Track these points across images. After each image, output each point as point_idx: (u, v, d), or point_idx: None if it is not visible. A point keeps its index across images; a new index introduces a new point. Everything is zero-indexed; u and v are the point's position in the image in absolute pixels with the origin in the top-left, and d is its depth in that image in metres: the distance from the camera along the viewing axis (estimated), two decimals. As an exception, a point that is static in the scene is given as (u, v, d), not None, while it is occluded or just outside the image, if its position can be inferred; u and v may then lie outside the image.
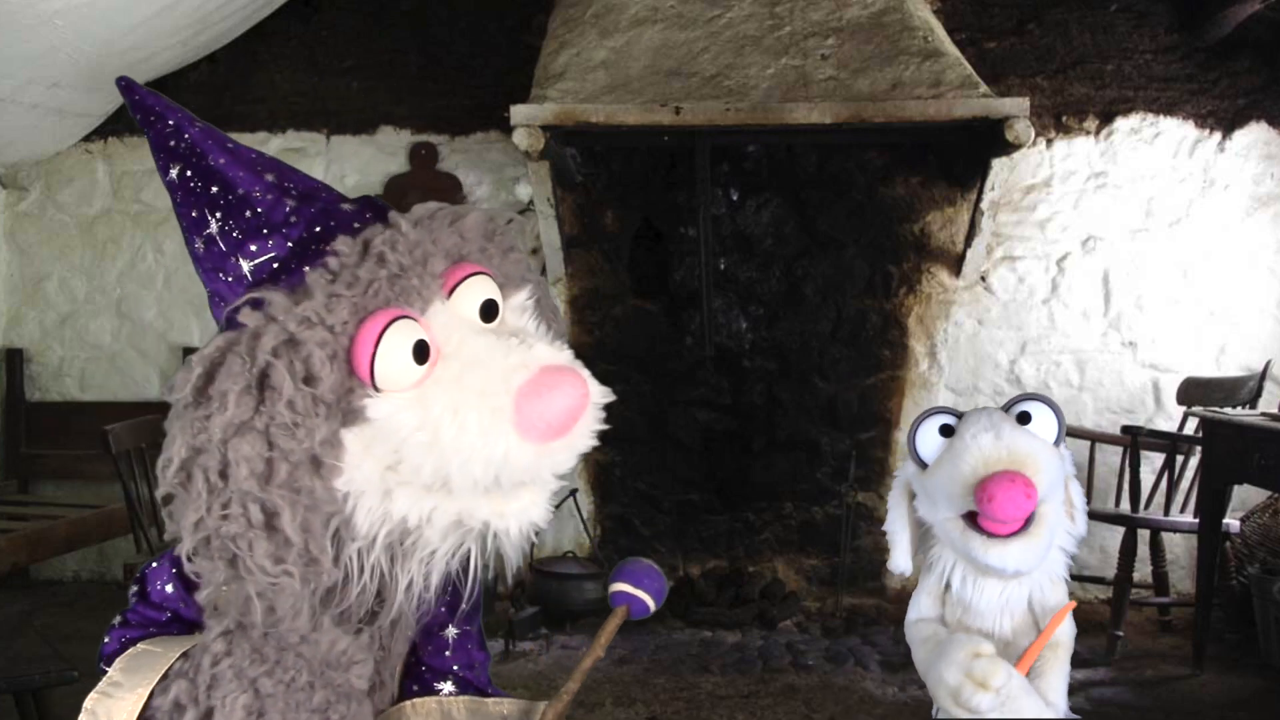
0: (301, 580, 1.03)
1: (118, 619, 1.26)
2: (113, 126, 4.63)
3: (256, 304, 1.04)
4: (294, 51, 4.63)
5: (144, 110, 1.22)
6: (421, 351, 1.05)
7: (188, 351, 4.63)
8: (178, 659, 1.15)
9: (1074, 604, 1.66)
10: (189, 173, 1.16)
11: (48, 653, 2.47)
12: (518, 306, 1.19)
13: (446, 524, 1.08)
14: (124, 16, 3.63)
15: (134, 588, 1.27)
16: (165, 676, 1.14)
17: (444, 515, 1.07)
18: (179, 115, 1.20)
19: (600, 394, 1.10)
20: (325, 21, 4.63)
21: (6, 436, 4.63)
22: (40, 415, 4.64)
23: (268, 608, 1.04)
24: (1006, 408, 1.64)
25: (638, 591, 1.31)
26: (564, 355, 1.10)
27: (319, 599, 1.10)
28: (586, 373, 1.09)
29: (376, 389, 1.05)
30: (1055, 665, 1.62)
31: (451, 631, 1.33)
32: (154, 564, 1.26)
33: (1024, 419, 1.61)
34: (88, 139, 4.66)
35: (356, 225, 1.11)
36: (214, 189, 1.15)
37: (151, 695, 1.14)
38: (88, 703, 1.17)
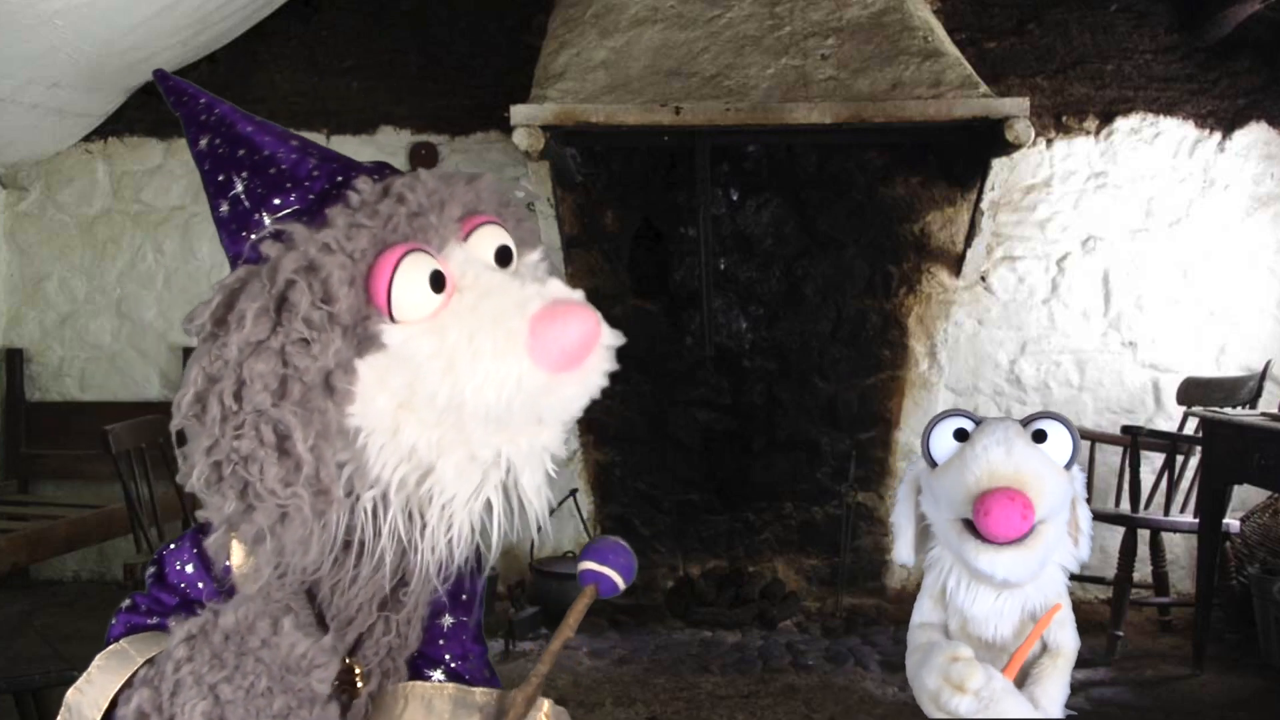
0: (311, 509, 1.04)
1: (127, 602, 1.26)
2: (113, 126, 4.63)
3: (278, 236, 1.07)
4: (294, 51, 4.63)
5: (177, 92, 1.27)
6: (438, 283, 1.07)
7: (188, 352, 4.63)
8: (143, 665, 1.14)
9: (1059, 607, 1.65)
10: (217, 140, 1.20)
11: (48, 653, 2.47)
12: (531, 263, 1.20)
13: (460, 459, 1.08)
14: (124, 16, 3.63)
15: (151, 569, 1.27)
16: (130, 684, 1.13)
17: (455, 448, 1.08)
18: (209, 95, 1.26)
19: (611, 336, 1.11)
20: (325, 21, 4.63)
21: (6, 436, 4.63)
22: (40, 415, 4.64)
23: (277, 546, 1.04)
24: (1025, 422, 1.65)
25: (604, 569, 1.29)
26: (577, 293, 1.11)
27: (329, 570, 1.11)
28: (599, 313, 1.10)
29: (393, 319, 1.06)
30: (1053, 673, 1.61)
31: (447, 620, 1.31)
32: (172, 545, 1.27)
33: (1039, 437, 1.62)
34: (88, 139, 4.65)
35: (376, 177, 1.15)
36: (241, 151, 1.18)
37: (115, 704, 1.14)
38: (68, 694, 1.18)
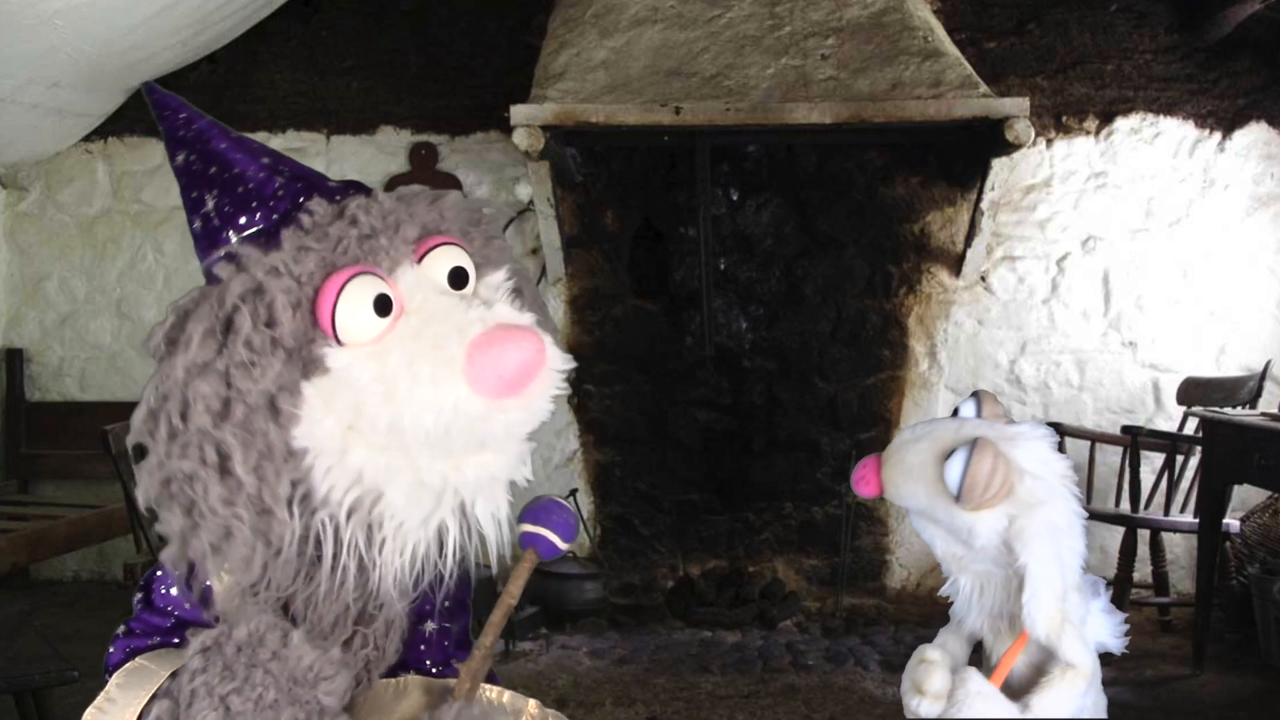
0: (253, 529, 1.05)
1: (121, 628, 1.26)
2: (113, 126, 4.63)
3: (231, 258, 1.09)
4: (294, 51, 4.63)
5: (160, 106, 1.27)
6: (384, 306, 1.08)
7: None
8: (167, 678, 1.16)
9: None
10: (193, 157, 1.21)
11: (48, 653, 2.46)
12: (493, 284, 1.20)
13: (408, 483, 1.08)
14: (124, 16, 3.63)
15: (138, 595, 1.27)
16: (154, 696, 1.15)
17: (403, 472, 1.08)
18: (191, 110, 1.25)
19: (560, 359, 1.11)
20: (325, 21, 4.63)
21: (6, 436, 4.63)
22: (40, 415, 4.64)
23: (221, 562, 1.06)
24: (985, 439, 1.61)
25: (540, 529, 1.25)
26: (525, 317, 1.11)
27: (300, 585, 1.12)
28: (548, 337, 1.10)
29: (339, 342, 1.07)
30: (1059, 684, 1.54)
31: (429, 626, 1.30)
32: (157, 571, 1.27)
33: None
34: (88, 139, 4.65)
35: (338, 197, 1.16)
36: (213, 169, 1.19)
37: (142, 715, 1.15)
38: (87, 715, 1.18)
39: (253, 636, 1.09)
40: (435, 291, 1.12)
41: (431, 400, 1.04)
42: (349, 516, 1.09)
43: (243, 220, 1.15)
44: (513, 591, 1.23)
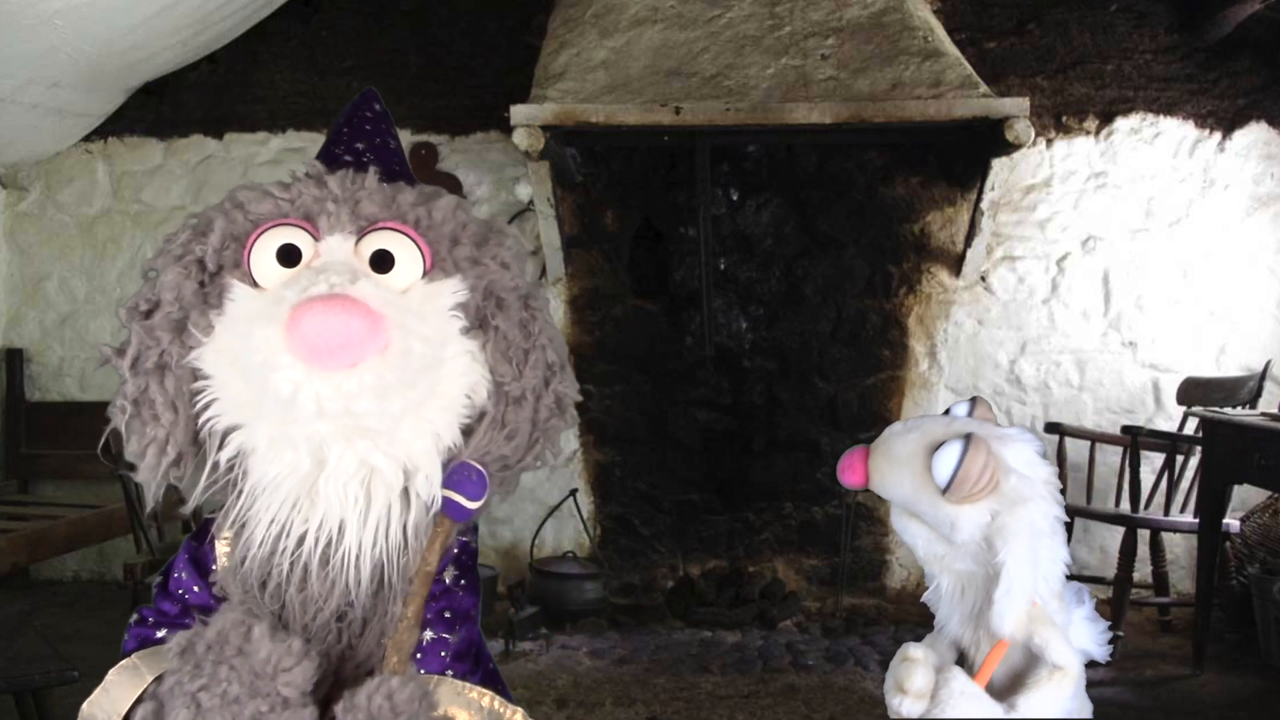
0: (136, 419, 1.20)
1: (135, 616, 1.31)
2: (113, 126, 4.63)
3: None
4: (294, 51, 4.63)
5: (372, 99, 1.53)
6: (289, 256, 1.17)
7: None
8: (153, 682, 1.21)
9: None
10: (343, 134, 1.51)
11: (48, 653, 2.46)
12: (436, 290, 1.21)
13: (269, 432, 1.15)
14: (124, 16, 3.63)
15: (158, 578, 1.34)
16: (141, 699, 1.21)
17: (267, 420, 1.15)
18: (380, 112, 1.58)
19: (399, 358, 1.12)
20: (325, 21, 4.63)
21: (6, 436, 4.63)
22: (40, 415, 4.64)
23: (127, 444, 1.22)
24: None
25: (446, 492, 1.24)
26: (381, 301, 1.13)
27: (276, 576, 1.20)
28: (398, 331, 1.12)
29: (255, 283, 1.17)
30: (1046, 685, 1.54)
31: (427, 635, 1.29)
32: (176, 557, 1.34)
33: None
34: (88, 139, 4.65)
35: (382, 171, 1.30)
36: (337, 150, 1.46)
37: (130, 713, 1.21)
38: (84, 706, 1.25)
39: (220, 635, 1.13)
40: (341, 259, 1.18)
41: (259, 345, 1.10)
42: (231, 451, 1.17)
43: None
44: (429, 559, 1.24)
